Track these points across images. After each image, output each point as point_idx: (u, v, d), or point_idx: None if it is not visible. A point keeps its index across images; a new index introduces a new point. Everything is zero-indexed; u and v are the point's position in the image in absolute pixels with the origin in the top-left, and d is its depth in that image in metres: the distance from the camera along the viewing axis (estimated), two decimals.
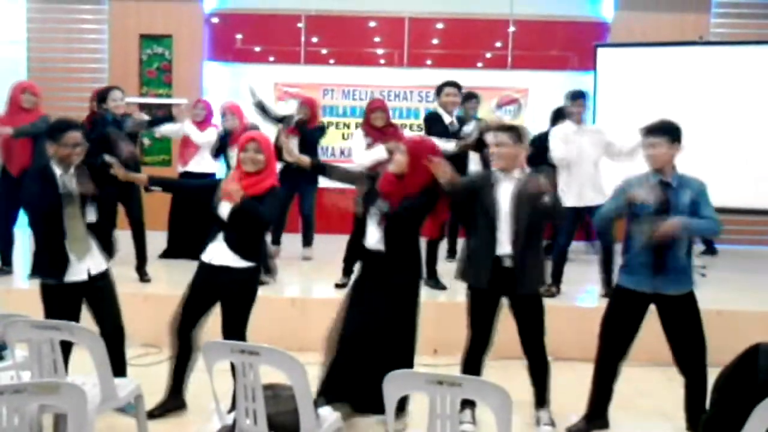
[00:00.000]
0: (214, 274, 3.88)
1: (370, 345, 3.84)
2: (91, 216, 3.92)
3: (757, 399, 2.34)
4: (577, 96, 5.80)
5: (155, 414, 3.99)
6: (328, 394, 3.79)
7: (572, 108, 5.77)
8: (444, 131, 5.75)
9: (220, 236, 3.87)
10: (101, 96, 6.06)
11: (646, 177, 3.86)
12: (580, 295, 5.84)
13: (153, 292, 5.52)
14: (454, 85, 5.96)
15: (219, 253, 3.87)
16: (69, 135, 3.80)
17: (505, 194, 3.82)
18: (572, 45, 8.72)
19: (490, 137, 3.88)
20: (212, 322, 3.97)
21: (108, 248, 4.13)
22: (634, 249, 3.85)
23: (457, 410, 2.51)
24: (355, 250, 4.09)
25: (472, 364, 3.96)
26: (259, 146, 3.88)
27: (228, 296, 3.92)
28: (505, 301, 3.93)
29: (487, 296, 3.89)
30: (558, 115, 6.50)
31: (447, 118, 5.89)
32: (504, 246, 3.81)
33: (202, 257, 3.93)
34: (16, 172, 5.64)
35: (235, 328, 3.87)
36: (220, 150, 6.64)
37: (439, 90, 6.00)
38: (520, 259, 3.79)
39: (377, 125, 5.67)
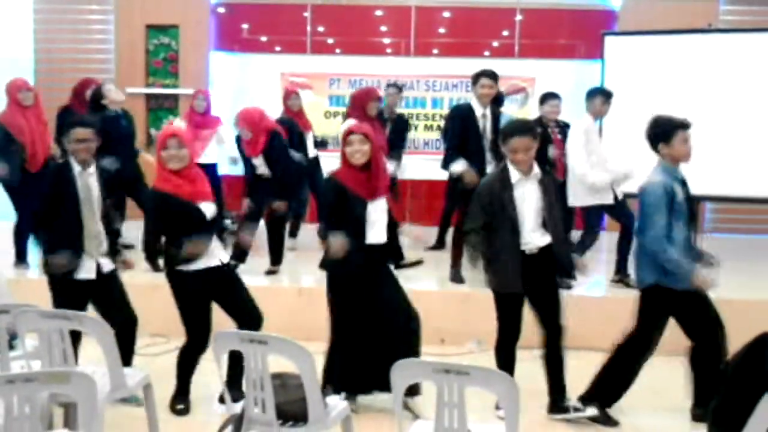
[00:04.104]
0: (220, 277, 3.92)
1: (391, 329, 3.93)
2: (118, 223, 3.98)
3: (765, 388, 2.34)
4: (611, 96, 5.73)
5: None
6: (345, 386, 3.88)
7: (605, 106, 5.67)
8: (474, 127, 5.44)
9: (214, 237, 3.91)
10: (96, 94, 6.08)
11: (672, 174, 3.85)
12: (587, 285, 5.83)
13: (162, 282, 5.53)
14: (490, 75, 5.44)
15: (221, 252, 3.96)
16: (76, 131, 3.83)
17: (529, 193, 3.84)
18: (580, 33, 8.67)
19: (513, 141, 3.79)
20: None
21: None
22: (677, 248, 3.80)
23: (464, 399, 2.52)
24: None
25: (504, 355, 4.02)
26: (180, 141, 3.82)
27: (237, 282, 4.02)
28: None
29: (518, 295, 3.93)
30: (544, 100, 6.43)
31: (479, 111, 5.46)
32: (535, 240, 3.85)
33: (204, 266, 3.85)
34: (35, 169, 5.65)
35: (257, 307, 4.00)
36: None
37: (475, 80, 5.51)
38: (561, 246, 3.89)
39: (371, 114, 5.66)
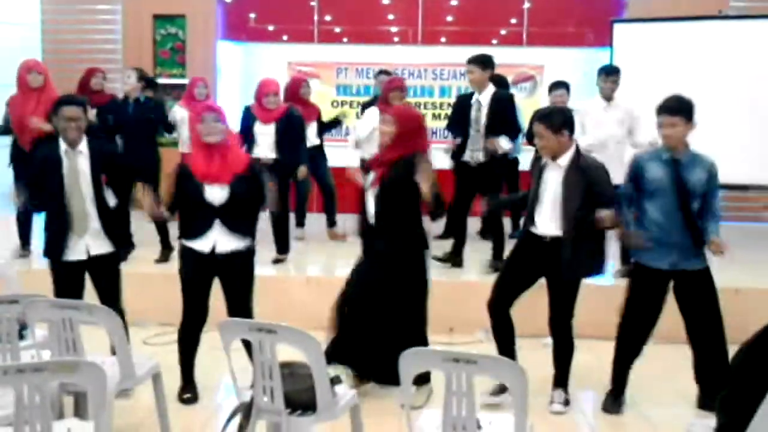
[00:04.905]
0: (220, 263, 3.85)
1: (370, 316, 3.92)
2: (111, 201, 3.94)
3: None
4: (613, 72, 5.67)
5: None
6: (335, 357, 3.89)
7: (606, 84, 5.62)
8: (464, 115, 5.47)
9: (217, 223, 3.78)
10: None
11: (657, 153, 3.86)
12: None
13: (170, 272, 5.54)
14: (471, 60, 5.50)
15: (222, 240, 3.81)
16: (64, 109, 3.81)
17: (551, 181, 3.82)
18: (588, 21, 8.60)
19: (533, 127, 3.87)
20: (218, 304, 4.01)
21: (124, 238, 4.13)
22: (650, 226, 3.83)
23: (473, 388, 2.52)
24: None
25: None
26: (217, 115, 3.77)
27: (237, 279, 3.91)
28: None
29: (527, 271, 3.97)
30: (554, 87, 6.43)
31: (474, 98, 5.47)
32: (547, 229, 3.82)
33: (195, 247, 3.82)
34: (29, 147, 5.53)
35: (246, 308, 3.90)
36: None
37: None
38: (570, 244, 3.77)
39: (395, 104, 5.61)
